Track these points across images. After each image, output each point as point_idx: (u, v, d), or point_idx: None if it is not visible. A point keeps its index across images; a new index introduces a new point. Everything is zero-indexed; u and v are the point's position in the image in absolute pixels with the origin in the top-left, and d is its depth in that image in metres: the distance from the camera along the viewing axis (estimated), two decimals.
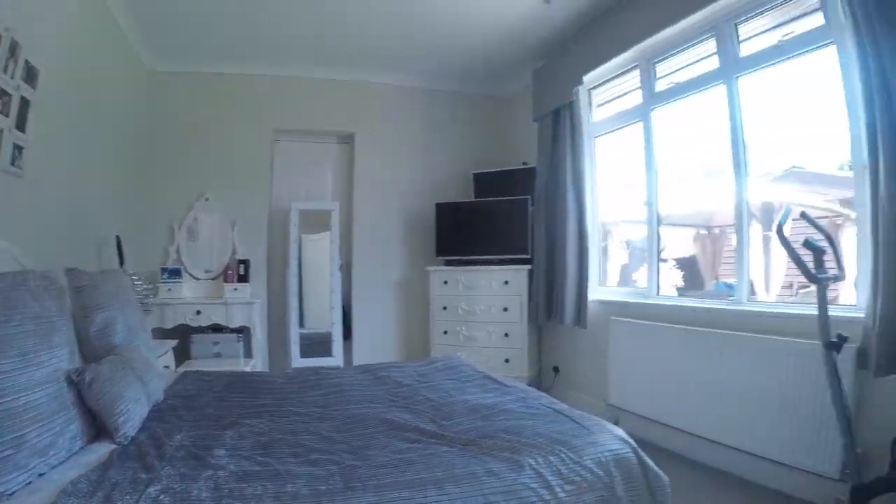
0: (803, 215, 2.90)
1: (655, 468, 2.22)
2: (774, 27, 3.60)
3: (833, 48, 3.13)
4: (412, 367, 3.75)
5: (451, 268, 5.88)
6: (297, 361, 5.77)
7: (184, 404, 2.76)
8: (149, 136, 5.53)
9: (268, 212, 5.97)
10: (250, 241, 5.82)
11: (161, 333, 5.08)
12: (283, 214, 5.98)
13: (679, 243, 5.08)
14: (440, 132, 6.54)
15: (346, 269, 6.20)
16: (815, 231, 2.90)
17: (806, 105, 3.67)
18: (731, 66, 3.85)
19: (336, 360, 5.90)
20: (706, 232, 4.94)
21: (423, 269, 6.08)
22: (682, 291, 4.56)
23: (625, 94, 4.96)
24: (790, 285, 4.10)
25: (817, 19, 3.26)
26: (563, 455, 2.08)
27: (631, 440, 2.30)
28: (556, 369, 5.58)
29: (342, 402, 2.91)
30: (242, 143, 5.86)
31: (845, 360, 2.79)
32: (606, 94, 5.20)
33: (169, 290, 5.33)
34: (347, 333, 6.10)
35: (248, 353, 5.49)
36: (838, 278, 2.83)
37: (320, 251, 6.11)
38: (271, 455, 2.06)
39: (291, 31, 5.15)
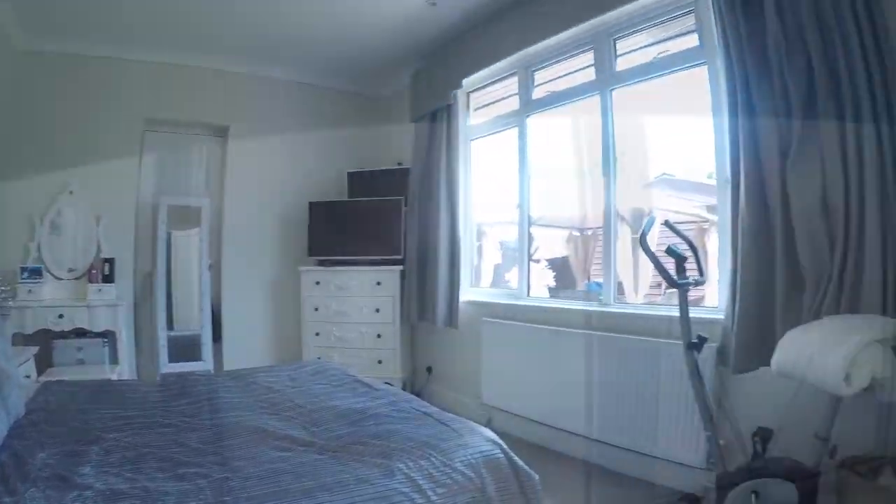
0: (666, 223, 3.04)
1: (525, 467, 2.25)
2: (651, 44, 3.76)
3: (705, 68, 3.34)
4: (282, 371, 3.65)
5: (323, 268, 5.76)
6: (166, 366, 5.42)
7: (46, 418, 2.53)
8: (10, 122, 4.92)
9: (135, 207, 5.53)
10: (116, 239, 5.31)
11: (21, 339, 4.56)
12: (152, 210, 5.60)
13: (553, 244, 5.21)
14: (317, 129, 6.36)
15: (217, 269, 5.93)
16: (679, 238, 3.03)
17: (677, 118, 3.86)
18: (607, 79, 4.01)
19: (206, 363, 5.63)
20: (578, 233, 5.10)
21: (296, 269, 5.91)
22: (554, 291, 4.69)
23: (503, 98, 5.03)
24: (659, 285, 4.30)
25: (692, 40, 3.46)
26: (433, 458, 2.08)
27: (500, 441, 2.33)
28: (429, 369, 5.59)
29: (211, 410, 2.78)
30: (110, 133, 5.34)
31: (707, 358, 2.99)
32: (485, 97, 5.25)
33: (29, 291, 4.78)
34: (217, 336, 5.84)
35: (115, 359, 5.11)
36: (699, 283, 2.99)
37: (190, 249, 5.80)
38: (140, 471, 1.93)
39: (166, 16, 4.76)
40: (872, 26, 2.40)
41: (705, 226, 3.96)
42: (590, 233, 4.99)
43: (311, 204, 5.89)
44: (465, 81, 5.03)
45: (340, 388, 3.19)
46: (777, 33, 2.65)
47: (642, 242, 2.83)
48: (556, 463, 3.75)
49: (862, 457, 2.15)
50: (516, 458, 2.27)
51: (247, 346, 5.89)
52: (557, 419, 3.92)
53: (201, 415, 2.70)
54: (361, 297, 5.53)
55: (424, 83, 5.52)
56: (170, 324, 5.65)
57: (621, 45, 3.94)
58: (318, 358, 4.83)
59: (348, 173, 6.20)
